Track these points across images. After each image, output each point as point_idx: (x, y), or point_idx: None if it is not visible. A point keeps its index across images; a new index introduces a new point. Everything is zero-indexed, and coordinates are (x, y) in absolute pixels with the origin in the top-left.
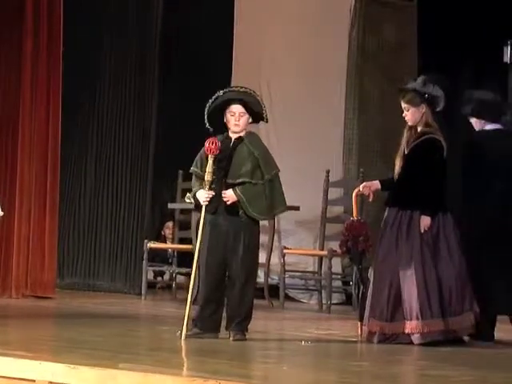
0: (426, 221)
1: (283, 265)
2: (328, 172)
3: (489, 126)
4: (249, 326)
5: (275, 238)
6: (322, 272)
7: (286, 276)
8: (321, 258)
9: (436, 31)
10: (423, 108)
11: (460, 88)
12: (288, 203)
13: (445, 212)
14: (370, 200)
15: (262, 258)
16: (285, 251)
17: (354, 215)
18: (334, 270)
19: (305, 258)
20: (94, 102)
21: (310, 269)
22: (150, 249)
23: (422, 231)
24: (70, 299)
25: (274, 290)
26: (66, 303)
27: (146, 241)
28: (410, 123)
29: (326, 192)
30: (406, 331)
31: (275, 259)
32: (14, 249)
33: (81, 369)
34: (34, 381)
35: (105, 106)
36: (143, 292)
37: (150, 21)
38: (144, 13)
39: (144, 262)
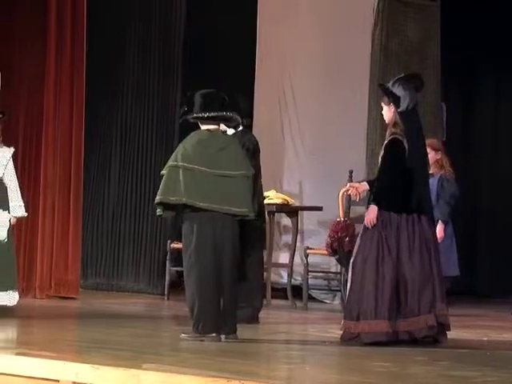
0: (371, 210)
1: (306, 265)
2: (351, 172)
3: None
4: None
5: (298, 238)
6: (345, 272)
7: (309, 276)
8: None
9: (459, 31)
10: (393, 107)
11: (483, 87)
12: (311, 204)
13: (420, 214)
14: (357, 200)
15: (285, 258)
16: (308, 252)
17: (341, 216)
18: None
19: (328, 258)
20: (117, 105)
21: (333, 269)
22: (173, 249)
23: (366, 222)
24: (94, 300)
25: (297, 291)
26: (90, 304)
27: (168, 241)
28: (386, 121)
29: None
30: (357, 331)
31: (298, 260)
32: (38, 250)
33: (104, 369)
34: (58, 381)
35: (128, 109)
36: (166, 292)
37: (173, 23)
38: (167, 16)
39: (167, 262)
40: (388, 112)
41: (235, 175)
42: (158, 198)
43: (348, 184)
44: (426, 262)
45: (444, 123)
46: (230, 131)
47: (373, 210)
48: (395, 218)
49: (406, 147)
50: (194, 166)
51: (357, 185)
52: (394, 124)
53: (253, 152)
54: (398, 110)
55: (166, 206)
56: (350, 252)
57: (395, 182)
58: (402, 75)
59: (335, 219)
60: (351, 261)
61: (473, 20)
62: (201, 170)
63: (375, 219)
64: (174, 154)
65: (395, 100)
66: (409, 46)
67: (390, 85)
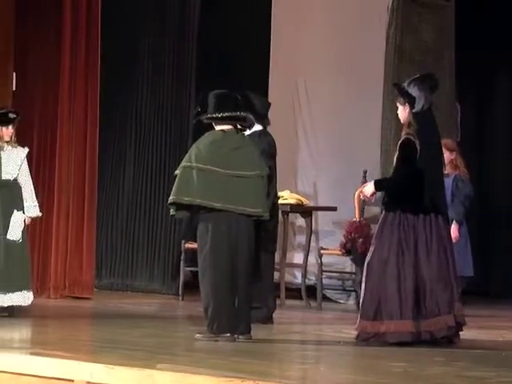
0: (368, 185)
1: (320, 265)
2: (365, 172)
3: None
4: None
5: (312, 238)
6: (360, 272)
7: (324, 277)
8: None
9: (473, 31)
10: (407, 107)
11: (497, 87)
12: (325, 204)
13: (437, 214)
14: (372, 201)
15: (300, 258)
16: (322, 252)
17: (356, 216)
18: None
19: (342, 258)
20: (131, 105)
21: (348, 269)
22: (187, 249)
23: (360, 191)
24: (108, 300)
25: (311, 291)
26: (104, 304)
27: (183, 241)
28: (401, 121)
29: None
30: (381, 331)
31: (312, 260)
32: (52, 250)
33: (119, 369)
34: (73, 381)
35: (142, 110)
36: (180, 292)
37: (188, 23)
38: (181, 15)
39: (181, 262)
40: (403, 112)
41: (249, 175)
42: (171, 198)
43: (363, 186)
44: (443, 262)
45: (458, 123)
46: (248, 131)
47: (369, 186)
48: (411, 218)
49: (418, 148)
50: (207, 166)
51: (366, 190)
52: (409, 124)
53: (269, 154)
54: (413, 111)
55: (179, 206)
56: (364, 253)
57: (407, 183)
58: (418, 75)
59: (350, 219)
60: (366, 261)
61: (487, 20)
62: (215, 170)
63: (369, 195)
64: (187, 155)
65: (410, 100)
66: (423, 46)
67: (405, 85)
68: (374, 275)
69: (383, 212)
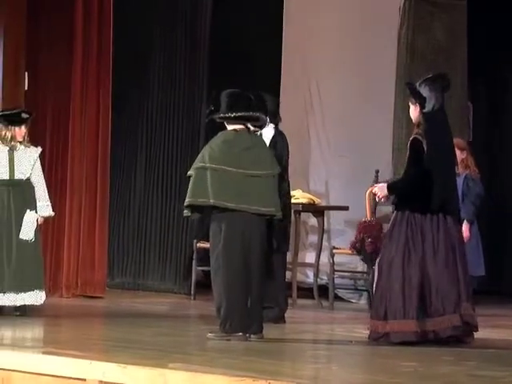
0: (380, 186)
1: (332, 265)
2: (377, 172)
3: None
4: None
5: (324, 237)
6: (371, 272)
7: (336, 276)
8: None
9: (486, 30)
10: (418, 107)
11: (510, 86)
12: (337, 203)
13: (445, 214)
14: (383, 201)
15: (311, 258)
16: (334, 251)
17: (368, 216)
18: None
19: (354, 257)
20: (143, 105)
21: (360, 269)
22: (199, 248)
23: (373, 189)
24: (120, 299)
25: (323, 290)
26: (116, 303)
27: (195, 241)
28: (412, 121)
29: None
30: (384, 331)
31: (324, 259)
32: (64, 249)
33: (131, 368)
34: (85, 380)
35: (154, 109)
36: (192, 292)
37: (199, 23)
38: (193, 15)
39: (193, 261)
40: (414, 112)
41: (261, 174)
42: (187, 201)
43: (374, 185)
44: (450, 261)
45: (470, 123)
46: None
47: (382, 189)
48: (419, 218)
49: (425, 148)
50: (221, 166)
51: (379, 192)
52: (418, 124)
53: (287, 161)
54: (424, 111)
55: (194, 207)
56: (372, 253)
57: (418, 182)
58: (430, 75)
59: (362, 219)
60: (377, 261)
61: (499, 18)
62: (228, 170)
63: (381, 195)
64: (200, 155)
65: (421, 100)
66: (435, 45)
67: (417, 85)
68: (383, 275)
69: (394, 212)
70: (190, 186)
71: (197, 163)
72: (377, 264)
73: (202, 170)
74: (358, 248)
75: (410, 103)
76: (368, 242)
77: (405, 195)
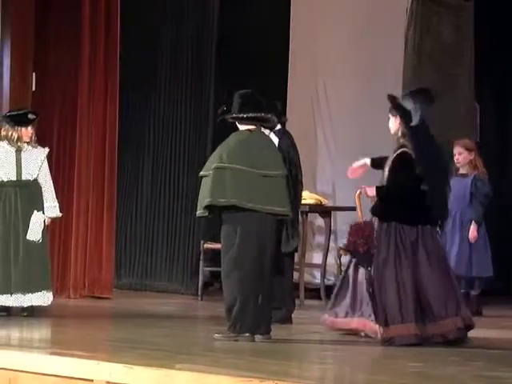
0: (370, 187)
1: (339, 265)
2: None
3: None
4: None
5: (331, 238)
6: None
7: None
8: None
9: (493, 31)
10: (398, 119)
11: None
12: (344, 204)
13: (425, 224)
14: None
15: (319, 258)
16: (341, 252)
17: (359, 216)
18: None
19: None
20: (150, 105)
21: None
22: (207, 249)
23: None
24: (127, 299)
25: (330, 291)
26: (124, 303)
27: (202, 241)
28: (391, 132)
29: None
30: (386, 335)
31: (331, 260)
32: (71, 250)
33: (138, 369)
34: (92, 380)
35: (161, 109)
36: (200, 293)
37: (206, 23)
38: (199, 15)
39: (201, 262)
40: (394, 123)
41: (275, 175)
42: (207, 201)
43: (362, 186)
44: (444, 267)
45: (477, 124)
46: (266, 131)
47: (372, 190)
48: (408, 229)
49: (415, 159)
50: (237, 166)
51: (369, 191)
52: (403, 135)
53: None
54: (411, 124)
55: (211, 208)
56: (366, 253)
57: (406, 197)
58: (412, 89)
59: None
60: (372, 266)
61: (507, 19)
62: (244, 169)
63: (371, 195)
64: (216, 155)
65: (404, 113)
66: (442, 46)
67: (399, 98)
68: (378, 280)
69: (378, 221)
70: (208, 186)
71: (214, 163)
72: (372, 268)
73: (221, 169)
74: (351, 251)
75: (390, 115)
76: (360, 242)
77: (392, 206)
